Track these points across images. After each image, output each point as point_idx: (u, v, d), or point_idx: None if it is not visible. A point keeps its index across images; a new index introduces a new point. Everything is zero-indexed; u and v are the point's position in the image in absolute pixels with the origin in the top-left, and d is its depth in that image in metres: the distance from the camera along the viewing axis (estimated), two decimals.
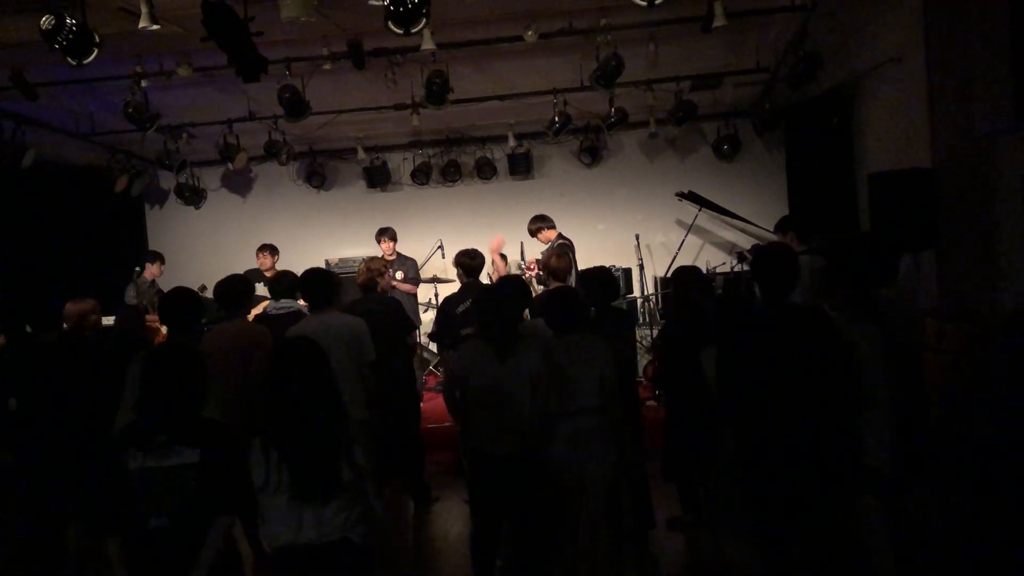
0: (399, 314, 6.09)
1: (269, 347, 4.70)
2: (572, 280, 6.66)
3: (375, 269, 6.02)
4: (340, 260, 9.65)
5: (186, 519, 2.82)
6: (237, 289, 5.13)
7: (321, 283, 5.14)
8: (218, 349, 4.67)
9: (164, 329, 8.10)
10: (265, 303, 7.47)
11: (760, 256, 3.88)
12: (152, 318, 8.07)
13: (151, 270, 8.68)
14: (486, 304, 4.22)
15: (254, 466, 2.93)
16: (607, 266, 8.85)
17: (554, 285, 5.82)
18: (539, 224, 8.08)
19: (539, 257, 8.49)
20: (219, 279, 5.19)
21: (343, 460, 2.94)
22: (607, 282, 5.20)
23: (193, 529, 2.82)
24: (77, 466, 4.32)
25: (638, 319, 8.95)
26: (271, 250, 8.71)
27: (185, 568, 2.78)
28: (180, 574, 2.78)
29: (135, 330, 5.70)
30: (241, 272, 7.30)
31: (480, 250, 6.24)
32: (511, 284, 4.79)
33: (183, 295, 4.61)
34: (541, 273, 7.24)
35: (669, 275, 7.37)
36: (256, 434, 3.01)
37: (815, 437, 3.50)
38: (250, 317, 5.60)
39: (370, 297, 5.93)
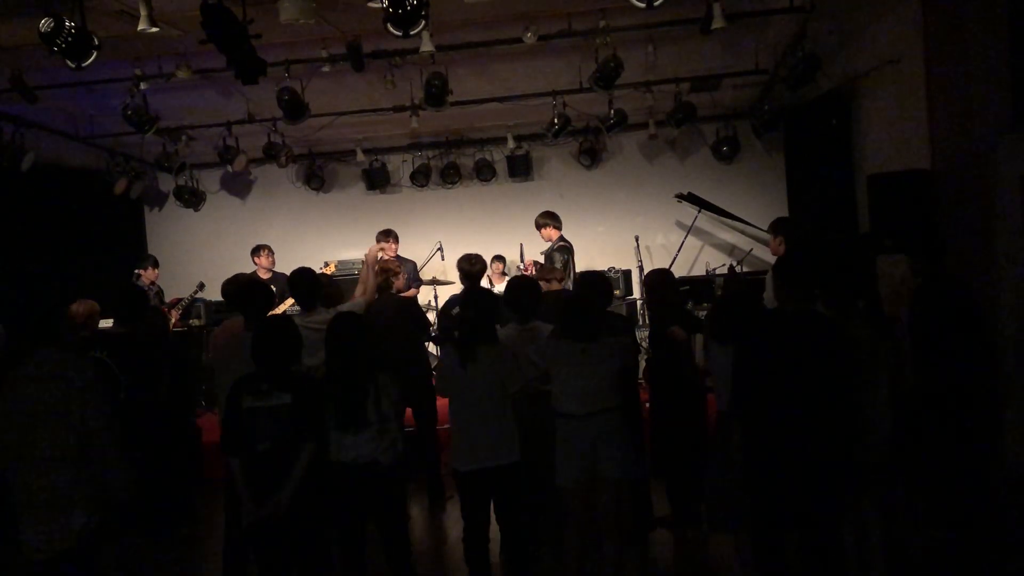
0: (416, 313, 6.12)
1: None
2: (570, 283, 6.68)
3: (390, 269, 6.03)
4: (339, 262, 9.65)
5: (283, 444, 3.78)
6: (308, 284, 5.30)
7: (309, 284, 5.24)
8: None
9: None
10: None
11: (783, 261, 3.94)
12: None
13: (147, 274, 8.73)
14: (463, 308, 4.31)
15: None
16: (605, 269, 8.96)
17: (554, 286, 5.84)
18: (547, 221, 8.18)
19: (535, 258, 8.54)
20: (226, 279, 5.30)
21: (370, 404, 3.86)
22: (602, 288, 5.19)
23: (289, 451, 3.78)
24: None
25: (638, 321, 8.94)
26: (269, 250, 8.72)
27: (283, 479, 3.76)
28: (279, 483, 3.76)
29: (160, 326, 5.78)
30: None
31: (480, 254, 6.26)
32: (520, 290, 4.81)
33: (262, 284, 4.90)
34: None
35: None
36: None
37: (827, 437, 3.59)
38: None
39: (384, 298, 5.97)
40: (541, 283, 6.08)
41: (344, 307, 5.28)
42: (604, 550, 4.21)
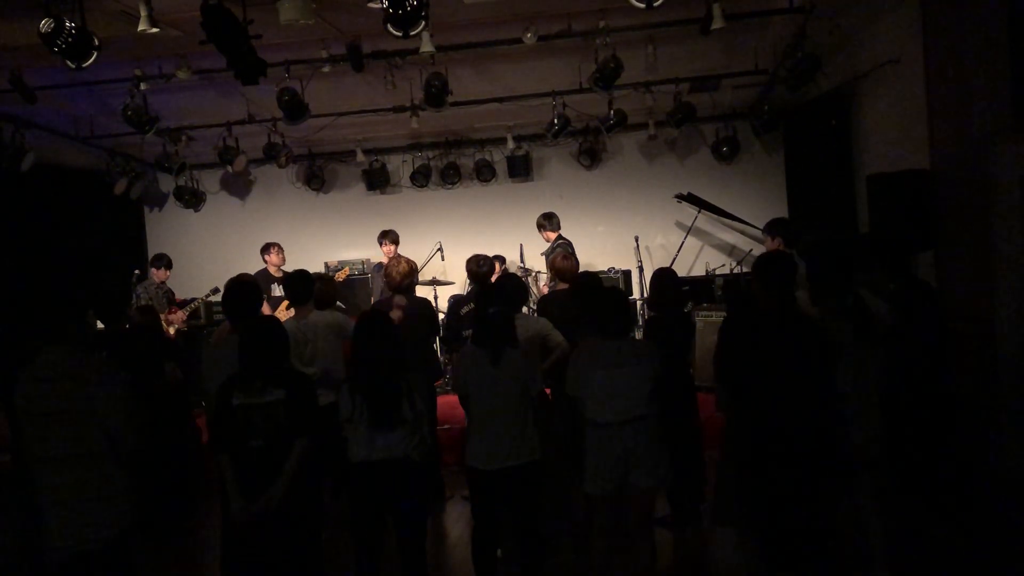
0: (428, 313, 6.18)
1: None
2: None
3: (416, 270, 6.07)
4: (339, 263, 9.66)
5: (276, 440, 3.75)
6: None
7: (302, 284, 5.48)
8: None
9: (172, 329, 8.20)
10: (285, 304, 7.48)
11: (763, 263, 3.97)
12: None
13: (158, 273, 8.73)
14: (479, 307, 4.28)
15: (342, 403, 3.98)
16: (605, 269, 8.98)
17: (561, 287, 5.83)
18: (543, 222, 8.34)
19: (535, 259, 8.60)
20: (227, 280, 5.26)
21: (404, 401, 3.91)
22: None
23: (281, 448, 3.76)
24: None
25: (637, 321, 8.95)
26: (279, 247, 8.72)
27: (274, 475, 3.73)
28: (271, 480, 3.73)
29: (156, 327, 5.78)
30: (252, 274, 7.42)
31: (486, 255, 6.28)
32: (510, 284, 4.78)
33: (246, 287, 4.79)
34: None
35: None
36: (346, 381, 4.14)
37: (811, 432, 3.63)
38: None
39: (409, 299, 5.99)
40: (555, 283, 6.09)
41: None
42: (637, 556, 4.17)
